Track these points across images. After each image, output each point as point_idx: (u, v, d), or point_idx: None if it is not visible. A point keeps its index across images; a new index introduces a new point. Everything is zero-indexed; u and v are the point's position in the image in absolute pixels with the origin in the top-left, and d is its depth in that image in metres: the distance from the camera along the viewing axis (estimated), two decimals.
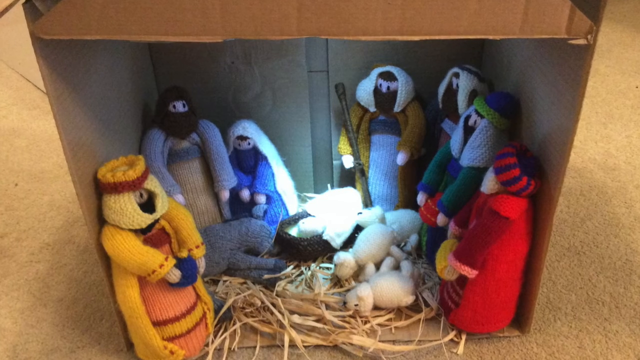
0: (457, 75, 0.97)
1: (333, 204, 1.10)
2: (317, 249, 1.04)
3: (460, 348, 0.87)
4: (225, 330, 0.90)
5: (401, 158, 1.06)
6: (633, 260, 1.05)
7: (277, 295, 0.95)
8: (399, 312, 0.93)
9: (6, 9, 0.61)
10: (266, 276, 0.99)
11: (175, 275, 0.79)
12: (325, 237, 1.04)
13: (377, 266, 1.00)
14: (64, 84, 0.70)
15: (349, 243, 1.05)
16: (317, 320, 0.91)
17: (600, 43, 1.86)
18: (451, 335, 0.89)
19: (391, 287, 0.91)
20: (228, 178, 1.04)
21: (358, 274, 1.01)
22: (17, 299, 1.01)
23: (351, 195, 1.12)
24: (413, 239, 1.06)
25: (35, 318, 0.97)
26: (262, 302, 0.93)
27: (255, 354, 0.88)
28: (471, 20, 0.62)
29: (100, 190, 0.77)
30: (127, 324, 0.83)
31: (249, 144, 1.07)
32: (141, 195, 0.78)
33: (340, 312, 0.92)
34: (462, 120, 0.91)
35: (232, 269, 1.01)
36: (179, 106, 0.97)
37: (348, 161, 1.14)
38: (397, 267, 0.99)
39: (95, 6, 0.61)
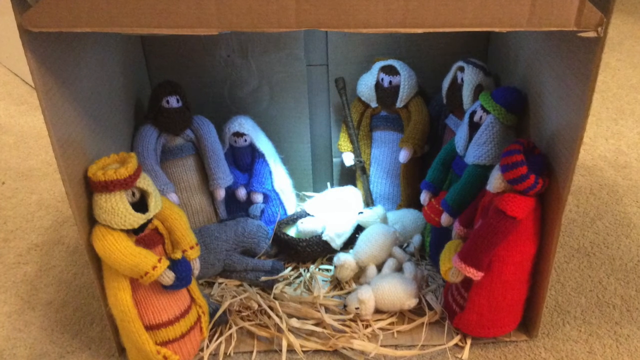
0: (461, 69, 0.97)
1: (333, 203, 1.10)
2: (317, 249, 1.03)
3: (465, 353, 0.87)
4: (221, 334, 0.90)
5: (404, 155, 1.06)
6: None
7: (274, 298, 0.95)
8: (402, 315, 0.93)
9: None
10: (263, 278, 0.98)
11: (169, 278, 0.78)
12: (324, 237, 1.03)
13: (379, 268, 1.00)
14: (53, 79, 0.70)
15: (349, 244, 1.05)
16: (316, 324, 0.90)
17: (611, 36, 1.86)
18: (456, 339, 0.88)
19: (393, 290, 0.91)
20: (224, 176, 1.03)
21: (359, 276, 1.01)
22: (4, 302, 1.00)
23: (352, 194, 1.12)
24: (416, 239, 1.05)
25: (23, 322, 0.96)
26: (259, 305, 0.93)
27: (252, 359, 0.87)
28: (476, 12, 0.61)
29: (90, 188, 0.77)
30: (118, 328, 0.83)
31: (246, 140, 1.07)
32: (133, 194, 0.78)
33: (341, 316, 0.92)
34: (467, 116, 0.91)
35: (228, 270, 1.01)
36: (173, 101, 0.97)
37: (348, 159, 1.13)
38: (399, 269, 0.99)
39: None
